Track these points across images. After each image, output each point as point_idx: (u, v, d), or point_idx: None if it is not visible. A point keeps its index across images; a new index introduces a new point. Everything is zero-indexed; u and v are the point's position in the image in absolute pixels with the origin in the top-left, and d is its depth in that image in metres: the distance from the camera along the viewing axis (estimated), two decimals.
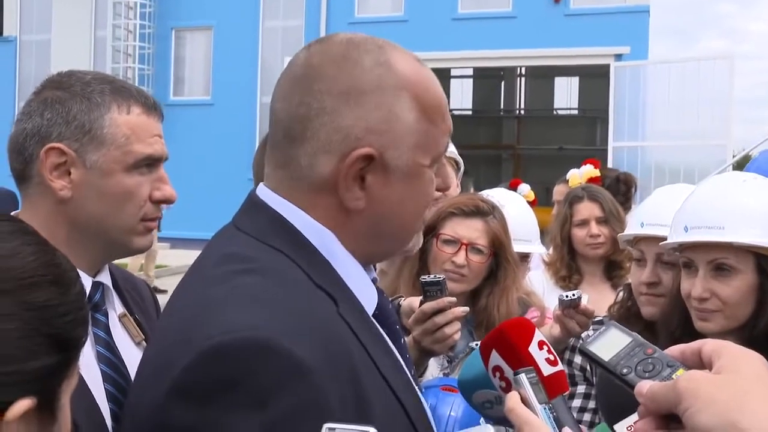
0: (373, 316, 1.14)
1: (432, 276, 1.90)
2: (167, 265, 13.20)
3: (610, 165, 11.98)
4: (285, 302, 0.98)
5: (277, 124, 1.12)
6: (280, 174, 1.12)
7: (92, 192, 1.44)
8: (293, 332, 0.93)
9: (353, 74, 1.07)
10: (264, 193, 1.13)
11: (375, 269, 1.22)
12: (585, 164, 4.84)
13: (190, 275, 1.12)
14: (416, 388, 1.16)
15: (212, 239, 1.17)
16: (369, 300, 1.13)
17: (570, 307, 2.16)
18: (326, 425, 0.76)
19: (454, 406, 1.88)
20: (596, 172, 4.61)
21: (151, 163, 1.50)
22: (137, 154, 1.46)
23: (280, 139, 1.11)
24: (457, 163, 3.09)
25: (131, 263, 11.32)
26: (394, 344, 1.16)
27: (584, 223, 3.22)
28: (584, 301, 2.18)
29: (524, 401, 1.05)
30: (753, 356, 0.86)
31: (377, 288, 1.18)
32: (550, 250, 3.45)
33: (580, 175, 4.67)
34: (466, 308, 1.92)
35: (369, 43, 1.11)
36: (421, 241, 1.22)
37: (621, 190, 4.57)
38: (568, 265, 3.27)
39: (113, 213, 1.47)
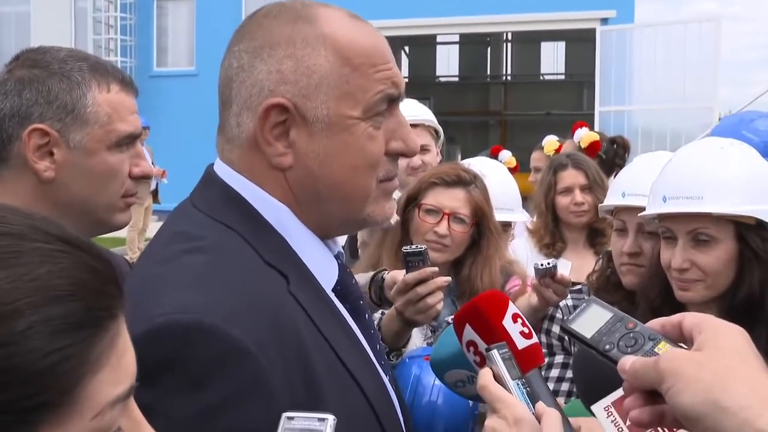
0: (334, 291, 1.12)
1: (414, 246, 1.89)
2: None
3: (597, 129, 11.95)
4: (228, 282, 0.97)
5: (218, 91, 1.12)
6: (220, 139, 1.12)
7: (76, 172, 1.44)
8: (233, 313, 0.92)
9: (268, 29, 1.07)
10: (219, 167, 1.12)
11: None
12: (578, 127, 4.73)
13: (144, 254, 1.12)
14: (376, 364, 1.15)
15: (169, 216, 1.16)
16: (328, 275, 1.11)
17: (546, 276, 2.17)
18: (285, 414, 0.75)
19: None
20: (596, 136, 4.50)
21: (131, 140, 1.50)
22: (120, 132, 1.46)
23: (219, 106, 1.12)
24: (436, 131, 3.08)
25: (128, 236, 11.26)
26: (356, 320, 1.15)
27: (568, 190, 3.21)
28: (564, 270, 2.18)
29: (497, 378, 1.03)
30: (734, 330, 0.85)
31: (340, 263, 1.16)
32: (534, 218, 3.45)
33: (578, 139, 4.57)
34: (448, 278, 1.92)
35: (297, 3, 1.10)
36: (392, 211, 1.18)
37: (619, 153, 4.54)
38: (552, 233, 3.27)
39: (98, 191, 1.47)
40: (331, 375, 1.00)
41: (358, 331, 1.14)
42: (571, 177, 3.23)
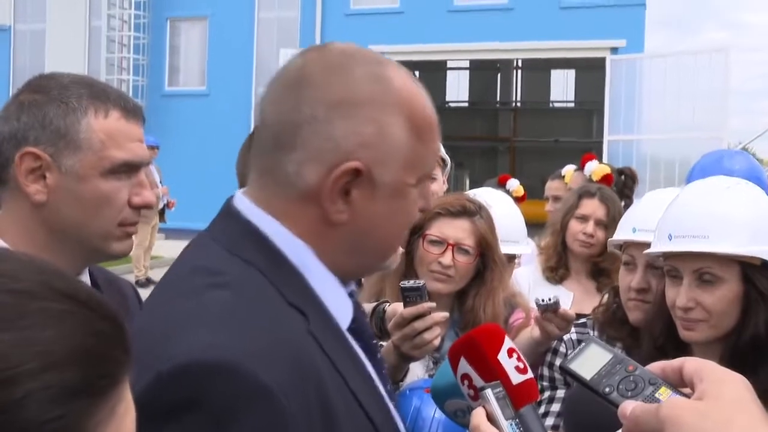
0: (348, 330, 1.11)
1: (411, 281, 1.88)
2: (161, 256, 13.16)
3: (605, 158, 11.96)
4: (251, 321, 0.96)
5: (266, 128, 1.09)
6: (264, 180, 1.09)
7: (68, 197, 1.43)
8: (257, 353, 0.91)
9: (349, 85, 1.05)
10: (240, 201, 1.11)
11: (359, 281, 1.21)
12: (588, 160, 4.67)
13: (161, 286, 1.10)
14: (389, 404, 1.14)
15: (186, 248, 1.14)
16: (344, 314, 1.11)
17: (548, 311, 2.15)
18: None
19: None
20: (608, 169, 4.46)
21: (130, 168, 1.48)
22: (114, 159, 1.45)
23: (268, 144, 1.08)
24: (443, 160, 3.07)
25: (134, 254, 11.26)
26: (369, 359, 1.14)
27: (584, 218, 3.18)
28: (566, 300, 2.16)
29: (490, 417, 1.02)
30: (735, 379, 0.84)
31: (354, 301, 1.15)
32: (547, 237, 3.41)
33: (589, 172, 4.55)
34: (446, 314, 1.90)
35: (367, 56, 1.09)
36: (399, 259, 1.21)
37: (628, 184, 4.52)
38: (559, 255, 3.24)
39: (90, 218, 1.45)
40: (348, 416, 1.00)
41: (372, 370, 1.14)
42: (592, 206, 3.19)
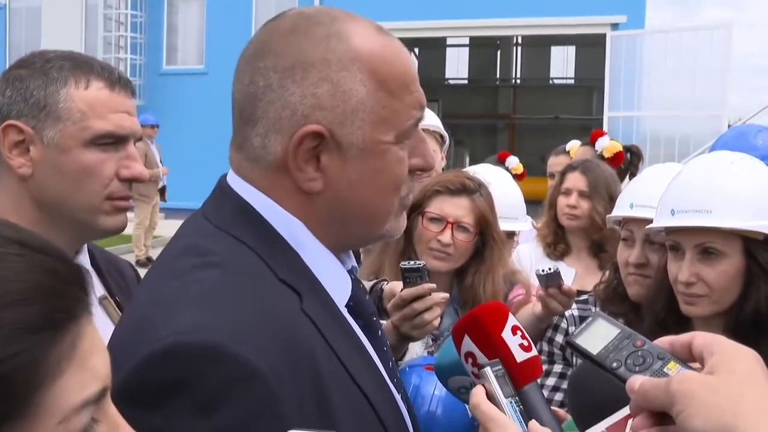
0: (347, 307, 1.09)
1: (412, 262, 1.87)
2: (160, 236, 13.16)
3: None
4: (240, 301, 0.94)
5: (234, 105, 1.07)
6: (239, 156, 1.08)
7: (52, 170, 1.41)
8: (246, 334, 0.89)
9: (299, 48, 1.01)
10: (233, 179, 1.09)
11: (357, 258, 1.18)
12: (598, 135, 4.60)
13: (154, 268, 1.09)
14: (388, 382, 1.12)
15: (180, 227, 1.13)
16: (341, 292, 1.08)
17: (547, 281, 2.15)
18: (289, 431, 0.73)
19: (438, 385, 1.87)
20: (619, 146, 4.43)
21: (117, 140, 1.46)
22: (95, 130, 1.42)
23: (236, 121, 1.07)
24: (441, 136, 3.06)
25: (134, 233, 11.25)
26: (369, 337, 1.12)
27: (567, 192, 3.24)
28: (567, 276, 2.16)
29: (489, 396, 1.01)
30: (746, 354, 0.83)
31: (353, 278, 1.13)
32: (544, 216, 3.46)
33: (601, 148, 4.53)
34: (446, 295, 1.89)
35: (322, 15, 1.05)
36: (404, 225, 1.17)
37: (634, 161, 4.52)
38: (555, 232, 3.30)
39: (74, 191, 1.43)
40: (343, 395, 0.98)
41: (371, 348, 1.11)
42: (573, 180, 3.25)
